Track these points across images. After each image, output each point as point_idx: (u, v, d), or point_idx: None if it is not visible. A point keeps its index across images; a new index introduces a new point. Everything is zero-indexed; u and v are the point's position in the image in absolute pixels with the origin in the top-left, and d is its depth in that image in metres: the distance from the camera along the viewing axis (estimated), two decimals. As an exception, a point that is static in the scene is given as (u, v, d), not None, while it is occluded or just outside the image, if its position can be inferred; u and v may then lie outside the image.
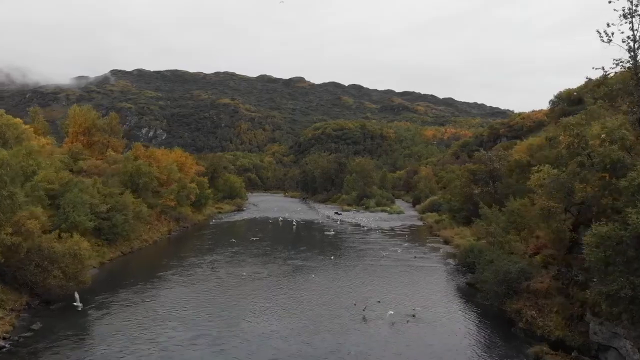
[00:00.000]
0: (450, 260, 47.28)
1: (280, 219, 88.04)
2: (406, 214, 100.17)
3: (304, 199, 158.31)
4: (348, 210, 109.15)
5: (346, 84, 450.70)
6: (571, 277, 25.47)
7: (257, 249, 53.95)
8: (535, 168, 27.93)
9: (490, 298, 31.41)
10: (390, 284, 38.58)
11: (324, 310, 31.10)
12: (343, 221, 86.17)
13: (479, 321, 29.64)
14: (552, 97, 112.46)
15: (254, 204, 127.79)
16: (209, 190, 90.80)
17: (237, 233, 69.33)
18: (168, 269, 43.02)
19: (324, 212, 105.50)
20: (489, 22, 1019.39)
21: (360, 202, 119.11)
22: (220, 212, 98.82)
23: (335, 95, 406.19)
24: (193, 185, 79.48)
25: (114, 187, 53.05)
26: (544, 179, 25.78)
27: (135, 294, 34.22)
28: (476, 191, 51.90)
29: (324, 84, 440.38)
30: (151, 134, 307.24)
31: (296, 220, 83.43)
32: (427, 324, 28.96)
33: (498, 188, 50.19)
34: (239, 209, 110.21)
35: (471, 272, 39.22)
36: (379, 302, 32.39)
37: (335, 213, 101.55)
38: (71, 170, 57.38)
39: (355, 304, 31.66)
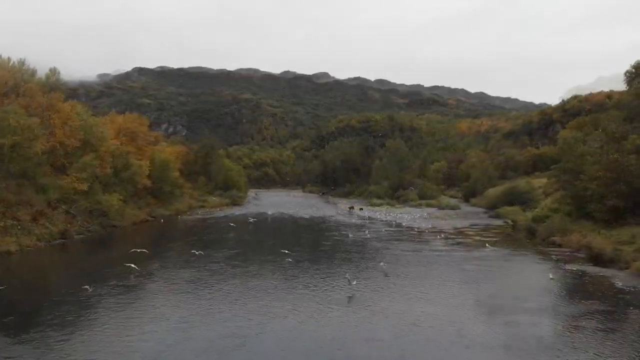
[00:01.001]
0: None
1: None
2: (464, 210, 78.92)
3: (322, 193, 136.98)
4: (379, 205, 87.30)
5: (372, 79, 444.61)
6: None
7: (220, 274, 31.18)
8: None
9: None
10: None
11: None
12: (373, 219, 64.80)
13: None
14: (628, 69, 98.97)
15: (255, 198, 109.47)
16: (178, 177, 73.62)
17: (206, 236, 48.15)
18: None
19: (344, 208, 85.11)
20: (516, 14, 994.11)
21: (395, 194, 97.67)
22: (203, 207, 79.84)
23: (361, 90, 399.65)
24: (143, 163, 61.06)
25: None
26: None
27: None
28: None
29: (349, 79, 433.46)
30: (171, 130, 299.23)
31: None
32: None
33: None
34: (234, 204, 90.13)
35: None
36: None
37: (360, 209, 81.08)
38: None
39: None
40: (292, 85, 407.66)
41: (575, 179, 42.21)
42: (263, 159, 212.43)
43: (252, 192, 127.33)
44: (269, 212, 75.02)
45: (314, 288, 25.66)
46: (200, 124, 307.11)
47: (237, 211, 77.89)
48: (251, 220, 61.98)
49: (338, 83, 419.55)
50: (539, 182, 74.42)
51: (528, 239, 45.43)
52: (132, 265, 28.90)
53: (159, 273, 29.81)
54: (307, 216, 69.70)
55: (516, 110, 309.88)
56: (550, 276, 27.68)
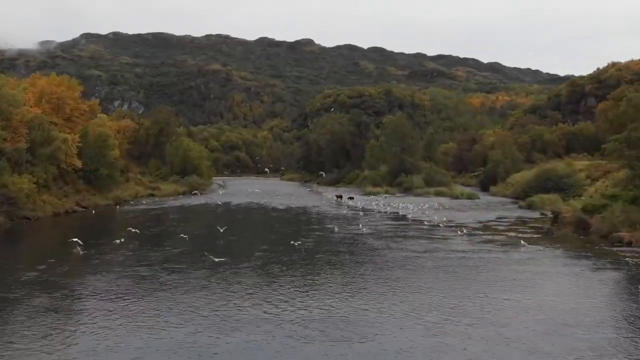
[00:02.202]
0: None
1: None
2: (485, 199, 75.52)
3: (305, 181, 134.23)
4: (375, 194, 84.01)
5: (365, 47, 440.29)
6: None
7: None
8: None
9: None
10: None
11: None
12: (368, 210, 60.40)
13: None
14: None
15: (221, 186, 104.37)
16: (119, 157, 69.46)
17: (147, 231, 43.28)
18: None
19: (331, 198, 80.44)
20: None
21: (395, 180, 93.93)
22: (153, 195, 76.56)
23: (352, 61, 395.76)
24: (70, 137, 56.53)
25: None
26: None
27: None
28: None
29: (338, 47, 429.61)
30: (125, 107, 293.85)
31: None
32: None
33: None
34: (194, 192, 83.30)
35: None
36: None
37: (349, 198, 76.71)
38: None
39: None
40: (270, 55, 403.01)
41: None
42: (234, 140, 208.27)
43: (218, 180, 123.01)
44: (235, 202, 71.62)
45: (285, 307, 19.89)
46: (159, 100, 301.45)
47: (195, 201, 73.82)
48: (214, 206, 60.48)
49: (324, 51, 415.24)
50: (580, 164, 70.37)
51: (579, 235, 39.83)
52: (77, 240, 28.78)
53: (63, 281, 24.15)
54: (282, 207, 65.57)
55: (538, 83, 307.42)
56: None
